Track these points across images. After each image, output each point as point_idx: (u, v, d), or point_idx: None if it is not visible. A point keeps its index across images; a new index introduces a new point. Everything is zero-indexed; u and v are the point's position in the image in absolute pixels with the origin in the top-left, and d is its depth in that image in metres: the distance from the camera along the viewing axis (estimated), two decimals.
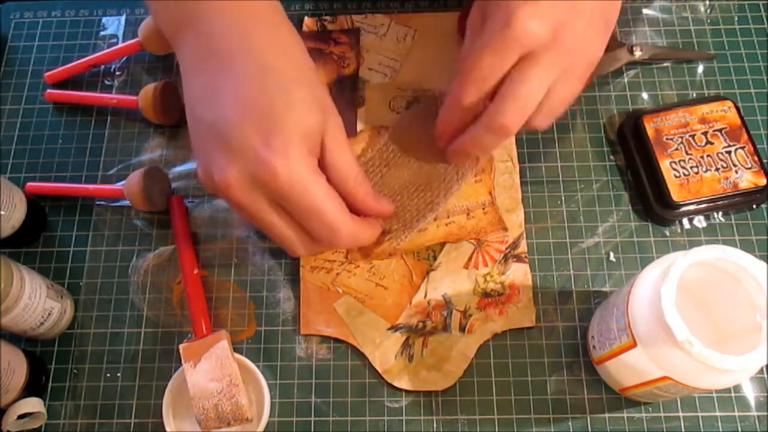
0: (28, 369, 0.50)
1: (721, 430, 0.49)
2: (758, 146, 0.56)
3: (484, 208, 0.55)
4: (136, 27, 0.63)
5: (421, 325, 0.52)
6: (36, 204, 0.57)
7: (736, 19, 0.63)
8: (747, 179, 0.54)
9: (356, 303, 0.53)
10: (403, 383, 0.51)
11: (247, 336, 0.53)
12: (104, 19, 0.65)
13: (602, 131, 0.59)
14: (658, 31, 0.62)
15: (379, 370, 0.51)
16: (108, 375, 0.52)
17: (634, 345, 0.42)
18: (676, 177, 0.54)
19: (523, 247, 0.54)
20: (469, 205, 0.55)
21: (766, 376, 0.51)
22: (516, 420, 0.50)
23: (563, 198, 0.57)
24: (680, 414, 0.50)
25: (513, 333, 0.52)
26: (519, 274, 0.53)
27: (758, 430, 0.49)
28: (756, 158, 0.54)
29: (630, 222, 0.56)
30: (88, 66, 0.62)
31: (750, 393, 0.50)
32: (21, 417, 0.49)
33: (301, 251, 0.46)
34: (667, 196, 0.53)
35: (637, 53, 0.60)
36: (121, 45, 0.63)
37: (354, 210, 0.46)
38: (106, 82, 0.63)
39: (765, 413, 0.50)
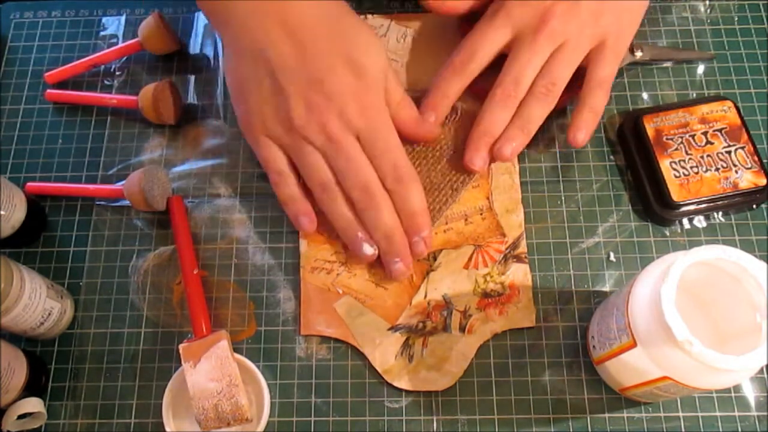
0: (28, 369, 0.50)
1: (721, 430, 0.49)
2: (758, 146, 0.56)
3: (482, 214, 0.55)
4: (136, 27, 0.63)
5: (421, 325, 0.52)
6: (36, 204, 0.57)
7: (736, 19, 0.63)
8: (747, 179, 0.54)
9: (356, 303, 0.53)
10: (403, 383, 0.51)
11: (247, 336, 0.53)
12: (104, 19, 0.65)
13: (602, 131, 0.59)
14: (657, 30, 0.62)
15: (379, 370, 0.51)
16: (108, 375, 0.52)
17: (634, 345, 0.42)
18: (676, 177, 0.54)
19: (523, 247, 0.54)
20: (467, 211, 0.55)
21: (766, 376, 0.51)
22: (516, 420, 0.50)
23: (563, 198, 0.57)
24: (680, 414, 0.50)
25: (513, 333, 0.52)
26: (519, 274, 0.53)
27: (758, 430, 0.49)
28: (756, 158, 0.54)
29: (630, 222, 0.56)
30: (88, 66, 0.62)
31: (750, 393, 0.50)
32: (21, 417, 0.49)
33: (377, 186, 0.50)
34: (667, 196, 0.53)
35: (639, 54, 0.60)
36: (121, 45, 0.63)
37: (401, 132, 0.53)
38: (106, 82, 0.63)
39: (765, 413, 0.50)
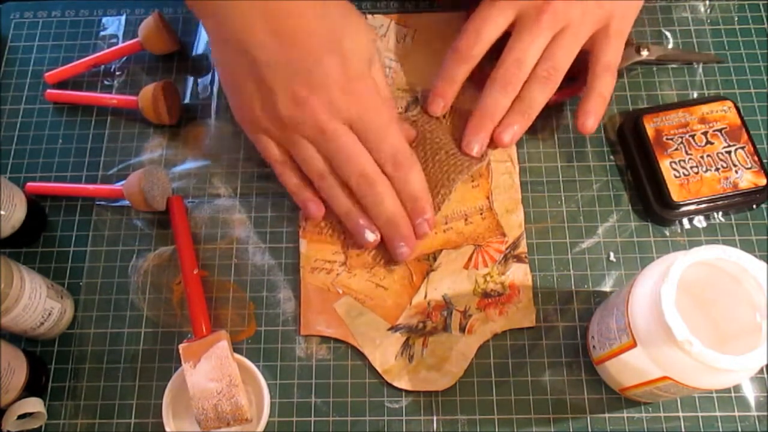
0: (28, 369, 0.50)
1: (721, 430, 0.49)
2: (758, 146, 0.56)
3: (482, 213, 0.55)
4: (136, 27, 0.63)
5: (421, 325, 0.52)
6: (36, 204, 0.57)
7: (736, 19, 0.63)
8: (747, 179, 0.54)
9: (356, 303, 0.53)
10: (403, 383, 0.51)
11: (247, 336, 0.53)
12: (104, 19, 0.65)
13: (602, 131, 0.59)
14: (657, 30, 0.62)
15: (379, 370, 0.51)
16: (108, 375, 0.52)
17: (634, 345, 0.42)
18: (676, 177, 0.54)
19: (523, 247, 0.54)
20: (467, 211, 0.55)
21: (766, 376, 0.51)
22: (516, 420, 0.50)
23: (563, 198, 0.57)
24: (680, 414, 0.50)
25: (513, 333, 0.52)
26: (519, 274, 0.53)
27: (758, 430, 0.49)
28: (756, 158, 0.54)
29: (630, 222, 0.56)
30: (88, 66, 0.62)
31: (750, 393, 0.50)
32: (21, 417, 0.49)
33: (375, 173, 0.49)
34: (667, 196, 0.53)
35: (644, 53, 0.59)
36: (121, 45, 0.63)
37: None
38: (106, 82, 0.63)
39: (765, 413, 0.50)
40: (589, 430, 0.50)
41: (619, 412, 0.50)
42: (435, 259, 0.54)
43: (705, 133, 0.55)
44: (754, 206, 0.55)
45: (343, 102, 0.48)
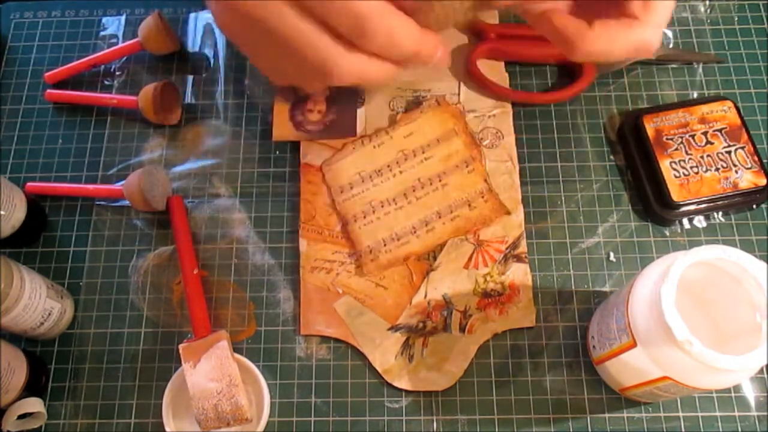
0: (28, 369, 0.50)
1: (721, 430, 0.49)
2: (758, 146, 0.56)
3: (483, 196, 0.55)
4: (136, 27, 0.63)
5: (421, 325, 0.52)
6: (36, 204, 0.57)
7: (736, 19, 0.63)
8: (747, 179, 0.54)
9: (356, 303, 0.53)
10: (403, 383, 0.51)
11: (247, 336, 0.53)
12: (104, 19, 0.65)
13: (602, 131, 0.59)
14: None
15: (379, 370, 0.51)
16: (108, 375, 0.52)
17: (634, 345, 0.42)
18: (676, 177, 0.54)
19: (523, 247, 0.54)
20: (468, 197, 0.55)
21: (766, 376, 0.51)
22: (516, 420, 0.50)
23: (563, 198, 0.57)
24: (680, 414, 0.50)
25: (513, 333, 0.52)
26: (519, 274, 0.53)
27: (758, 430, 0.49)
28: (756, 158, 0.54)
29: (630, 222, 0.56)
30: (88, 66, 0.62)
31: (750, 393, 0.50)
32: (21, 417, 0.49)
33: (336, 57, 0.37)
34: (667, 196, 0.53)
35: None
36: (121, 45, 0.63)
37: None
38: (106, 82, 0.63)
39: (765, 413, 0.50)
40: (589, 430, 0.50)
41: (619, 412, 0.50)
42: (435, 258, 0.54)
43: (705, 133, 0.55)
44: (754, 206, 0.55)
45: None
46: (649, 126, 0.55)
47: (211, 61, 0.63)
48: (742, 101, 0.59)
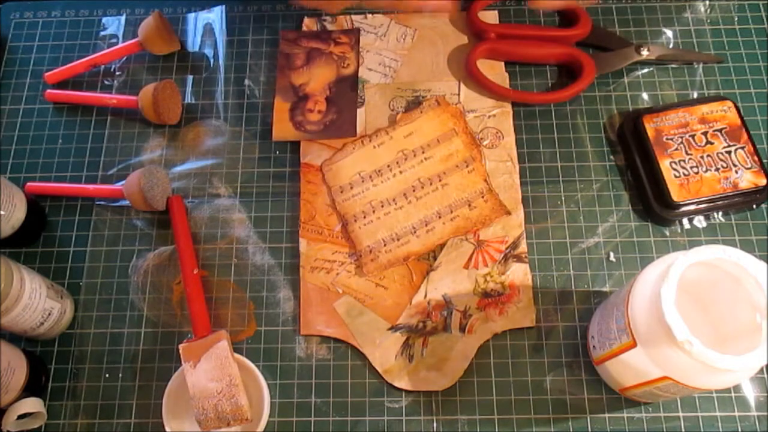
0: (28, 369, 0.50)
1: (721, 430, 0.49)
2: (758, 146, 0.56)
3: (483, 196, 0.55)
4: (136, 27, 0.63)
5: (421, 325, 0.52)
6: (36, 204, 0.57)
7: (736, 19, 0.63)
8: (747, 179, 0.54)
9: (356, 303, 0.53)
10: (403, 383, 0.51)
11: (247, 336, 0.53)
12: (104, 19, 0.65)
13: (602, 131, 0.59)
14: (657, 30, 0.62)
15: (379, 370, 0.51)
16: (108, 375, 0.52)
17: (634, 345, 0.42)
18: (676, 177, 0.54)
19: (523, 247, 0.54)
20: (469, 197, 0.55)
21: (766, 376, 0.51)
22: (516, 420, 0.50)
23: (563, 198, 0.57)
24: (680, 414, 0.50)
25: (513, 333, 0.52)
26: (519, 274, 0.53)
27: (758, 430, 0.49)
28: (756, 158, 0.54)
29: (630, 222, 0.56)
30: (88, 66, 0.62)
31: (750, 393, 0.50)
32: (21, 417, 0.49)
33: None
34: (667, 196, 0.53)
35: (645, 53, 0.60)
36: (121, 45, 0.63)
37: None
38: (106, 82, 0.63)
39: (765, 413, 0.50)
40: (589, 430, 0.50)
41: (619, 412, 0.50)
42: (435, 258, 0.54)
43: (705, 133, 0.55)
44: (754, 206, 0.55)
45: None
46: (649, 126, 0.55)
47: (211, 61, 0.63)
48: (742, 101, 0.59)
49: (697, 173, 0.54)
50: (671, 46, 0.62)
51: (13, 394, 0.49)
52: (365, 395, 0.51)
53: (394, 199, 0.55)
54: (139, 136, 0.60)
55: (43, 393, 0.51)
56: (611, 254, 0.55)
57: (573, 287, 0.54)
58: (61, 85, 0.62)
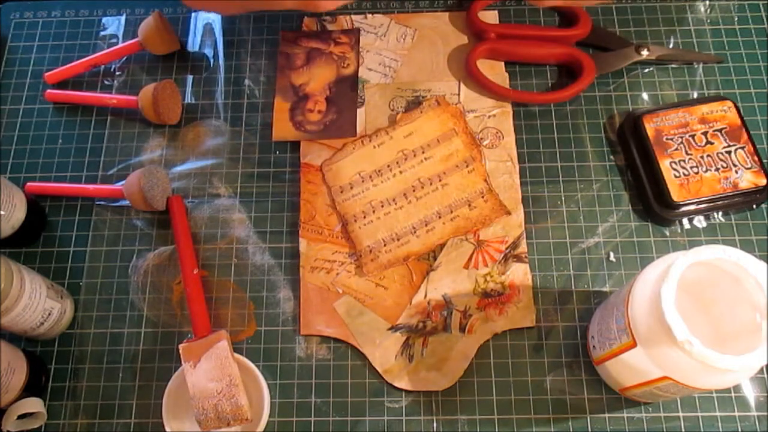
0: (28, 369, 0.50)
1: (721, 430, 0.49)
2: (758, 146, 0.56)
3: (483, 196, 0.55)
4: (136, 27, 0.63)
5: (421, 325, 0.52)
6: (36, 204, 0.57)
7: (736, 19, 0.63)
8: (747, 179, 0.54)
9: (356, 303, 0.53)
10: (403, 383, 0.51)
11: (247, 336, 0.53)
12: (104, 19, 0.65)
13: (602, 131, 0.59)
14: (657, 30, 0.62)
15: (379, 370, 0.51)
16: (108, 375, 0.52)
17: (634, 345, 0.42)
18: (676, 177, 0.54)
19: (523, 247, 0.54)
20: (469, 197, 0.55)
21: (766, 376, 0.51)
22: (516, 420, 0.50)
23: (563, 198, 0.57)
24: (680, 414, 0.50)
25: (513, 333, 0.52)
26: (519, 274, 0.53)
27: (758, 430, 0.49)
28: (756, 158, 0.54)
29: (630, 222, 0.56)
30: (88, 66, 0.62)
31: (750, 393, 0.50)
32: (21, 417, 0.49)
33: None
34: (667, 196, 0.53)
35: (645, 53, 0.60)
36: (121, 45, 0.63)
37: None
38: (106, 82, 0.63)
39: (765, 413, 0.50)
40: (589, 430, 0.50)
41: (619, 412, 0.50)
42: (435, 258, 0.54)
43: (705, 133, 0.55)
44: (754, 206, 0.55)
45: None
46: (649, 126, 0.55)
47: (211, 61, 0.63)
48: (742, 101, 0.59)
49: (697, 173, 0.54)
50: (671, 46, 0.62)
51: (13, 394, 0.49)
52: (365, 395, 0.51)
53: (394, 199, 0.55)
54: (139, 136, 0.60)
55: (43, 393, 0.51)
56: (611, 254, 0.55)
57: (573, 287, 0.54)
58: (61, 85, 0.62)
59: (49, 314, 0.51)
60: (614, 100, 0.60)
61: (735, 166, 0.54)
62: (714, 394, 0.50)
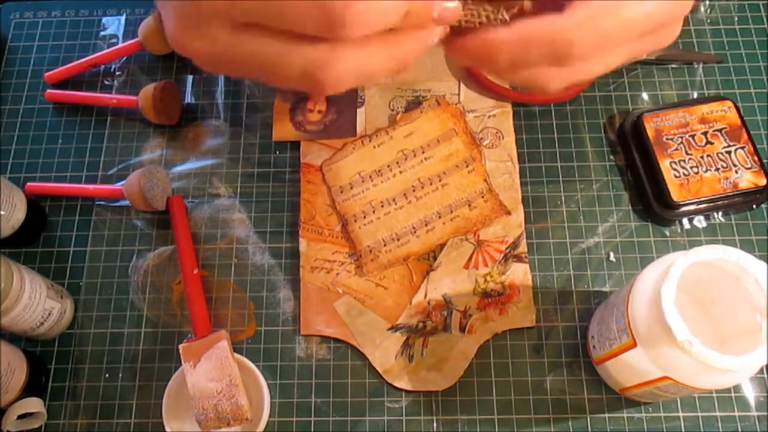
0: (28, 369, 0.50)
1: (721, 430, 0.49)
2: (758, 146, 0.56)
3: (483, 196, 0.55)
4: (136, 27, 0.63)
5: (421, 325, 0.52)
6: (36, 204, 0.56)
7: (736, 19, 0.63)
8: (747, 179, 0.54)
9: (356, 303, 0.53)
10: (403, 383, 0.51)
11: (247, 336, 0.53)
12: (104, 19, 0.65)
13: (602, 131, 0.59)
14: None
15: (380, 370, 0.51)
16: (108, 375, 0.52)
17: (634, 345, 0.42)
18: (676, 177, 0.54)
19: (523, 247, 0.54)
20: (469, 197, 0.55)
21: (766, 376, 0.51)
22: (516, 420, 0.50)
23: (563, 198, 0.57)
24: (680, 414, 0.50)
25: (513, 333, 0.52)
26: (519, 274, 0.53)
27: (758, 430, 0.49)
28: (756, 158, 0.54)
29: (630, 222, 0.56)
30: (88, 66, 0.62)
31: (750, 393, 0.50)
32: (21, 417, 0.49)
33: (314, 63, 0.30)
34: (667, 196, 0.53)
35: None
36: (121, 45, 0.63)
37: None
38: (106, 82, 0.63)
39: (765, 413, 0.50)
40: (589, 430, 0.50)
41: (619, 412, 0.50)
42: (435, 258, 0.54)
43: (705, 133, 0.55)
44: (754, 206, 0.55)
45: None
46: (649, 126, 0.55)
47: None
48: (742, 101, 0.59)
49: (697, 173, 0.54)
50: (671, 46, 0.62)
51: (13, 394, 0.49)
52: (365, 395, 0.51)
53: (394, 199, 0.55)
54: (139, 136, 0.60)
55: (43, 393, 0.51)
56: (611, 254, 0.55)
57: (573, 287, 0.54)
58: (61, 85, 0.62)
59: (49, 314, 0.51)
60: (614, 100, 0.60)
61: (735, 166, 0.54)
62: (714, 394, 0.50)
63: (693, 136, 0.55)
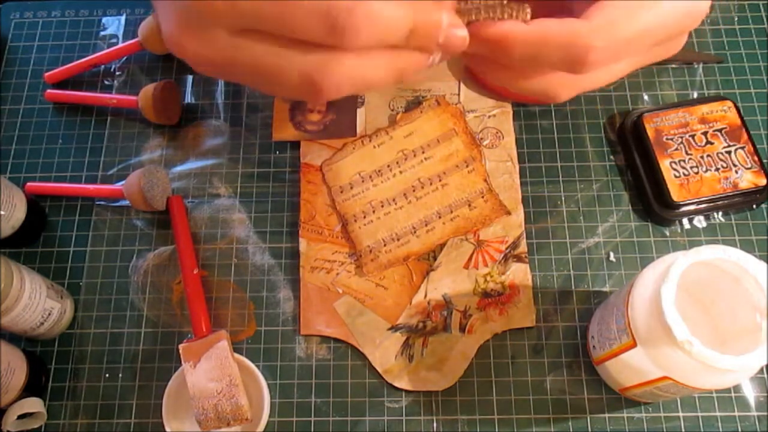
0: (28, 369, 0.50)
1: (721, 430, 0.49)
2: (758, 146, 0.56)
3: (483, 196, 0.55)
4: (136, 27, 0.63)
5: (421, 325, 0.52)
6: (36, 204, 0.57)
7: (736, 19, 0.63)
8: (747, 179, 0.54)
9: (356, 303, 0.53)
10: (403, 383, 0.51)
11: (247, 336, 0.53)
12: (104, 19, 0.65)
13: (602, 131, 0.59)
14: None
15: (379, 370, 0.51)
16: (108, 375, 0.52)
17: (634, 345, 0.42)
18: (676, 177, 0.54)
19: (523, 247, 0.54)
20: (469, 197, 0.55)
21: (766, 376, 0.51)
22: (516, 420, 0.50)
23: (563, 198, 0.57)
24: (680, 414, 0.50)
25: (513, 333, 0.52)
26: (519, 274, 0.53)
27: (758, 430, 0.49)
28: (756, 158, 0.54)
29: (630, 222, 0.56)
30: (88, 66, 0.62)
31: (750, 393, 0.50)
32: (21, 417, 0.49)
33: (315, 73, 0.29)
34: (667, 196, 0.53)
35: None
36: (121, 45, 0.63)
37: None
38: (106, 82, 0.63)
39: (765, 413, 0.50)
40: (589, 430, 0.50)
41: (619, 412, 0.50)
42: (435, 258, 0.54)
43: (705, 133, 0.55)
44: (754, 206, 0.55)
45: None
46: (649, 126, 0.55)
47: None
48: (742, 101, 0.59)
49: (697, 173, 0.54)
50: None
51: (13, 394, 0.49)
52: (365, 395, 0.51)
53: (394, 199, 0.55)
54: (139, 136, 0.60)
55: (43, 393, 0.51)
56: (611, 254, 0.55)
57: (573, 287, 0.54)
58: (61, 85, 0.62)
59: (49, 314, 0.51)
60: (614, 100, 0.60)
61: (735, 166, 0.54)
62: (714, 394, 0.50)
63: (693, 136, 0.55)
